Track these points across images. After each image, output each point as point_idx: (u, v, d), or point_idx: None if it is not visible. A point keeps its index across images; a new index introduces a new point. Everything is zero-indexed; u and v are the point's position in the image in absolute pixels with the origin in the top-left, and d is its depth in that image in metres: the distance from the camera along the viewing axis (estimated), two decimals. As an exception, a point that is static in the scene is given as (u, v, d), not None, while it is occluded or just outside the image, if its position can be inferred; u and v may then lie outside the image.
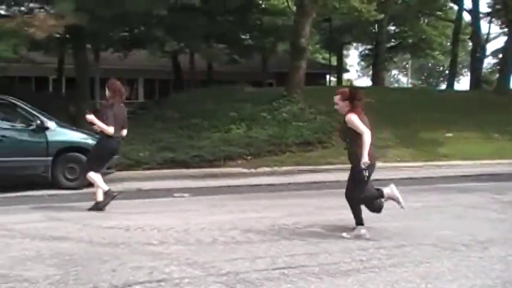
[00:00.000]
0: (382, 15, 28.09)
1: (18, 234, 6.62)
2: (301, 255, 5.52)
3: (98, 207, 8.30)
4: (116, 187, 11.41)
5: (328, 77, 37.46)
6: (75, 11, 13.55)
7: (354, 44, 48.16)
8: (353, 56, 79.17)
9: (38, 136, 10.85)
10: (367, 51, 44.32)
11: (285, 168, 13.95)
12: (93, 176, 8.44)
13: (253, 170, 13.70)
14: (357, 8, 24.16)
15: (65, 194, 10.63)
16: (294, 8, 21.81)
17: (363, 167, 6.24)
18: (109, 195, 8.41)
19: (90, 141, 11.11)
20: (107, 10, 14.35)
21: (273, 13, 26.47)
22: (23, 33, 13.81)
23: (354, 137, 6.40)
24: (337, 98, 6.59)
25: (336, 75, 39.93)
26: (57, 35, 17.39)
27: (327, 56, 39.84)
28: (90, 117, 8.36)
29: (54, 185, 10.97)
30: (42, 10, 18.65)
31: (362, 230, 6.39)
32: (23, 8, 19.44)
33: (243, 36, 26.79)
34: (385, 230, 6.73)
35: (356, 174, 6.45)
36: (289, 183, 11.96)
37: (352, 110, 6.44)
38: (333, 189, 11.03)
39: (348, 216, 6.66)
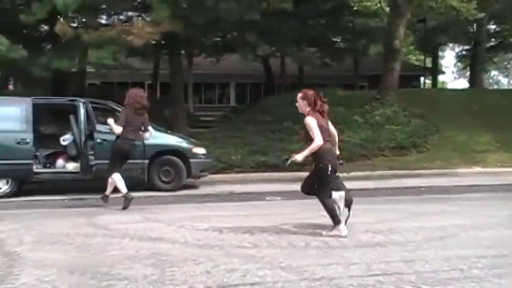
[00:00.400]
0: (483, 14, 26.91)
1: (118, 234, 6.87)
2: (397, 262, 5.35)
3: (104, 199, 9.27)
4: (209, 190, 11.68)
5: (422, 79, 36.42)
6: (171, 18, 13.93)
7: (450, 45, 46.44)
8: (449, 57, 76.64)
9: None
10: (464, 52, 42.62)
11: (378, 172, 13.67)
12: (114, 176, 9.08)
13: (345, 174, 13.50)
14: (455, 7, 23.26)
15: (161, 196, 10.96)
16: (388, 9, 21.32)
17: (293, 160, 6.57)
18: (127, 199, 9.03)
19: (185, 144, 11.80)
20: (201, 16, 14.67)
21: (365, 15, 26.05)
22: (122, 40, 14.36)
23: (312, 140, 6.51)
24: (298, 96, 6.96)
25: (430, 77, 38.74)
26: (154, 42, 17.99)
27: (422, 57, 38.71)
28: (110, 121, 9.26)
29: (150, 187, 11.37)
30: (139, 18, 19.38)
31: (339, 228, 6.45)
32: (121, 17, 20.28)
33: (335, 39, 26.57)
34: (485, 238, 6.41)
35: (319, 173, 6.59)
36: (383, 188, 11.70)
37: (311, 113, 6.60)
38: (428, 195, 10.72)
39: (447, 222, 6.41)
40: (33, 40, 17.31)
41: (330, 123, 6.88)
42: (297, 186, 11.62)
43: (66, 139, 11.75)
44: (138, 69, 22.45)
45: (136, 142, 9.57)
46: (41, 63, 14.43)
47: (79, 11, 15.82)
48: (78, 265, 5.36)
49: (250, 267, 5.19)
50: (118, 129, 9.04)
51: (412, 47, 41.81)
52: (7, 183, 11.02)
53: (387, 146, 15.30)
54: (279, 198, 10.47)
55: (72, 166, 11.56)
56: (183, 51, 20.80)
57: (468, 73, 40.81)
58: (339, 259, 5.49)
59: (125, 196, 9.05)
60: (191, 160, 11.62)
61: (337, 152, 6.99)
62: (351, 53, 28.16)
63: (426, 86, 34.85)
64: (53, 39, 16.89)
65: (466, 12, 23.99)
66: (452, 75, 66.02)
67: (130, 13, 20.11)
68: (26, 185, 11.44)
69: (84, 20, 16.82)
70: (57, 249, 6.11)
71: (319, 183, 6.63)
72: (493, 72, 67.10)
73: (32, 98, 11.49)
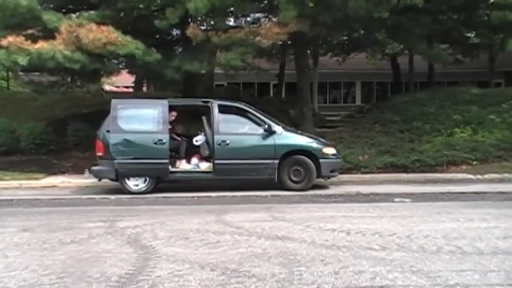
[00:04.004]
0: None
1: (245, 232, 6.98)
2: (542, 272, 4.96)
3: None
4: (336, 190, 11.58)
5: None
6: (298, 18, 13.95)
7: None
8: None
9: (266, 140, 11.60)
10: None
11: (516, 175, 12.81)
12: None
13: (479, 176, 12.82)
14: None
15: (287, 195, 11.02)
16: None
17: None
18: None
19: (315, 144, 11.89)
20: (328, 15, 14.54)
21: (504, 7, 24.52)
22: (249, 42, 14.61)
23: None
24: None
25: None
26: (280, 42, 18.14)
27: None
28: None
29: (280, 186, 11.55)
30: (266, 19, 19.63)
31: None
32: (249, 19, 20.66)
33: (468, 35, 25.26)
34: None
35: None
36: (523, 192, 10.93)
37: None
38: None
39: None
40: (165, 44, 18.08)
41: None
42: (427, 188, 11.28)
43: (198, 139, 12.18)
44: (265, 70, 22.74)
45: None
46: (173, 66, 15.04)
47: (209, 15, 16.34)
48: (208, 261, 5.51)
49: (380, 270, 5.05)
50: None
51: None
52: (145, 181, 11.76)
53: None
54: (408, 200, 10.14)
55: (205, 166, 11.99)
56: (309, 51, 20.77)
57: None
58: (474, 265, 5.19)
59: None
60: (321, 160, 11.66)
61: None
62: (486, 49, 26.61)
63: None
64: (184, 43, 17.57)
65: None
66: None
67: (257, 15, 20.43)
68: (161, 183, 12.07)
69: (213, 23, 17.33)
70: (188, 244, 6.32)
71: None
72: None
73: (168, 99, 12.14)
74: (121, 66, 17.95)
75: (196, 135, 12.34)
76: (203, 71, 17.37)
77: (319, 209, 8.98)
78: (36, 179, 14.08)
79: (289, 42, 19.17)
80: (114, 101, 12.22)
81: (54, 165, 15.88)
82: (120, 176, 11.68)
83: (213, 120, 11.69)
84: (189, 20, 16.58)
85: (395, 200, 10.16)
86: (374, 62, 29.66)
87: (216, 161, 11.61)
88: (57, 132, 17.45)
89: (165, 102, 12.00)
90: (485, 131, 15.51)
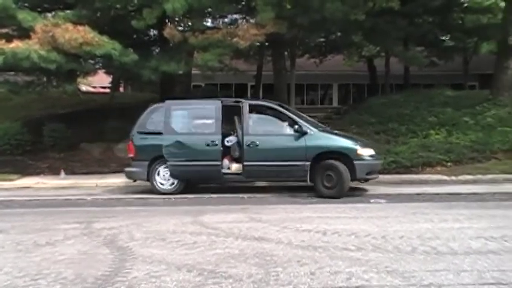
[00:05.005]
0: None
1: (222, 233, 6.98)
2: (513, 272, 5.05)
3: None
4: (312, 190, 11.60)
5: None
6: (275, 20, 14.01)
7: None
8: None
9: (297, 141, 11.03)
10: None
11: (489, 176, 12.99)
12: None
13: (453, 178, 12.99)
14: None
15: (263, 196, 11.05)
16: (502, 4, 20.24)
17: None
18: None
19: (350, 145, 11.06)
20: (305, 17, 14.63)
21: (477, 11, 24.90)
22: (227, 43, 14.64)
23: None
24: None
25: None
26: (258, 43, 18.19)
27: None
28: None
29: (315, 191, 11.04)
30: (244, 20, 19.68)
31: None
32: (226, 20, 20.70)
33: (443, 38, 25.61)
34: None
35: None
36: (495, 193, 11.10)
37: None
38: (546, 201, 10.05)
39: None
40: (143, 44, 18.03)
41: None
42: (402, 189, 11.39)
43: (230, 140, 11.86)
44: (242, 71, 22.77)
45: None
46: (150, 67, 15.01)
47: (186, 15, 16.33)
48: (185, 262, 5.50)
49: (355, 270, 5.09)
50: None
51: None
52: (173, 182, 11.61)
53: (500, 149, 14.52)
54: (383, 201, 10.22)
55: (235, 167, 11.59)
56: (286, 52, 20.87)
57: None
58: (448, 265, 5.26)
59: None
60: (355, 162, 10.81)
61: None
62: (460, 52, 27.02)
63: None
64: (161, 43, 17.54)
65: None
66: None
67: (235, 16, 20.49)
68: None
69: (190, 23, 17.33)
70: (165, 246, 6.31)
71: None
72: None
73: (221, 99, 11.93)
74: (98, 67, 17.86)
75: (229, 135, 12.01)
76: (180, 72, 17.35)
77: (295, 210, 9.02)
78: (11, 180, 13.93)
79: (266, 44, 19.27)
80: (168, 102, 12.05)
81: (29, 166, 15.74)
82: (173, 177, 11.55)
83: (243, 121, 11.36)
84: (167, 21, 16.55)
85: (371, 201, 10.24)
86: (351, 64, 29.89)
87: (245, 163, 11.21)
88: (32, 133, 17.29)
89: (218, 102, 11.74)
90: (459, 132, 15.72)
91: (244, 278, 4.91)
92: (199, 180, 12.11)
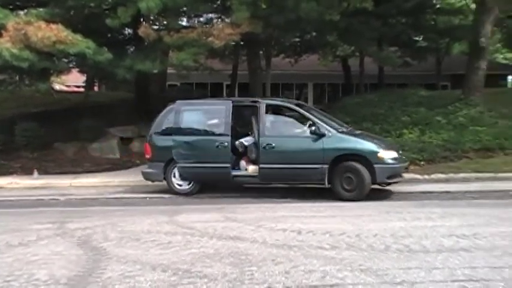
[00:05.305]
0: None
1: (197, 233, 6.99)
2: (483, 268, 5.14)
3: None
4: (289, 189, 11.64)
5: (510, 78, 34.90)
6: (251, 19, 14.02)
7: (541, 42, 44.18)
8: (539, 55, 72.73)
9: (314, 142, 10.56)
10: (555, 50, 40.47)
11: (461, 175, 13.17)
12: None
13: (426, 176, 13.14)
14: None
15: (239, 196, 11.06)
16: (473, 6, 20.57)
17: None
18: None
19: (370, 147, 10.58)
20: (280, 17, 14.68)
21: (449, 12, 25.26)
22: (202, 42, 14.61)
23: None
24: None
25: (519, 76, 37.06)
26: (233, 43, 18.20)
27: (509, 55, 37.05)
28: None
29: (334, 194, 10.53)
30: (219, 20, 19.66)
31: None
32: (201, 19, 20.65)
33: (416, 38, 25.94)
34: None
35: None
36: (466, 191, 11.28)
37: None
38: (516, 199, 10.26)
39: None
40: (117, 43, 17.89)
41: None
42: (376, 188, 11.46)
43: (247, 141, 11.51)
44: (218, 70, 22.75)
45: None
46: (125, 65, 14.90)
47: (161, 14, 16.25)
48: (159, 262, 5.50)
49: (330, 269, 5.14)
50: None
51: (499, 45, 40.17)
52: (190, 182, 11.40)
53: (471, 148, 14.72)
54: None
55: (252, 169, 11.19)
56: (261, 52, 20.92)
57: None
58: (420, 263, 5.34)
59: None
60: (376, 165, 10.25)
61: None
62: (433, 52, 27.40)
63: (514, 86, 33.35)
64: (136, 42, 17.42)
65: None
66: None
67: (210, 15, 20.45)
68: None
69: (165, 22, 17.25)
70: (139, 245, 6.29)
71: None
72: None
73: (232, 99, 11.72)
74: (71, 65, 17.67)
75: (246, 135, 11.73)
76: (155, 71, 17.26)
77: (270, 209, 9.06)
78: (-18, 180, 13.73)
79: (241, 43, 19.27)
80: (178, 102, 11.85)
81: (1, 166, 15.50)
82: (183, 179, 11.37)
83: (259, 121, 10.99)
84: (142, 20, 16.46)
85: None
86: (325, 64, 30.05)
87: (261, 165, 10.80)
88: (4, 132, 17.03)
89: (229, 102, 11.45)
90: (432, 132, 15.89)
91: (219, 277, 4.92)
92: (209, 182, 11.75)
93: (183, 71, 17.21)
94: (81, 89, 27.81)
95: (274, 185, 11.67)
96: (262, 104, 11.10)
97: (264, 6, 14.85)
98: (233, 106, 11.37)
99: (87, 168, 15.39)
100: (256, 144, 11.13)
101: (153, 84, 21.52)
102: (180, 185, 11.42)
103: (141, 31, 14.58)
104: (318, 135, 10.52)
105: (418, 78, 29.00)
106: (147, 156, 11.74)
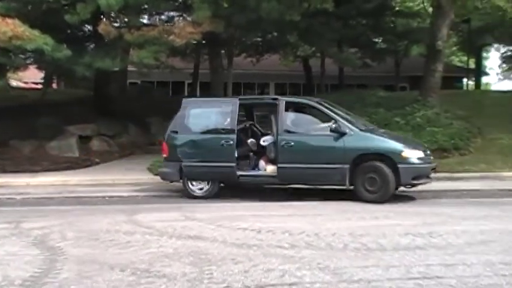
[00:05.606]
0: (530, 15, 26.28)
1: (156, 232, 6.95)
2: (437, 266, 5.26)
3: None
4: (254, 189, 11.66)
5: (465, 80, 35.76)
6: (212, 18, 14.02)
7: (495, 46, 45.41)
8: (493, 59, 74.74)
9: (335, 141, 10.07)
10: (509, 53, 41.62)
11: (418, 174, 13.42)
12: None
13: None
14: (501, 7, 22.76)
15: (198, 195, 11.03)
16: (430, 10, 21.01)
17: None
18: None
19: (394, 147, 10.09)
20: (241, 17, 14.72)
21: (407, 15, 25.77)
22: (163, 40, 14.54)
23: None
24: None
25: (473, 78, 38.03)
26: (194, 42, 18.15)
27: (465, 58, 37.98)
28: None
29: (356, 195, 10.02)
30: (181, 18, 19.57)
31: None
32: (163, 17, 20.53)
33: (376, 40, 26.35)
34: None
35: None
36: (423, 191, 11.49)
37: None
38: (471, 198, 10.50)
39: (490, 227, 6.27)
40: (77, 40, 17.64)
41: None
42: (335, 187, 11.57)
43: (266, 140, 11.03)
44: (179, 69, 22.64)
45: None
46: (84, 63, 14.70)
47: (122, 11, 16.08)
48: (118, 261, 5.45)
49: (289, 268, 5.18)
50: None
51: (455, 48, 41.13)
52: (207, 184, 10.82)
53: (428, 148, 15.03)
54: (317, 199, 10.38)
55: (270, 169, 10.71)
56: (223, 51, 20.92)
57: (513, 75, 39.89)
58: (377, 261, 5.43)
59: None
60: (399, 166, 9.71)
61: None
62: (392, 54, 27.86)
63: (469, 88, 34.15)
64: (96, 39, 17.21)
65: (512, 13, 23.45)
66: (496, 77, 64.49)
67: (171, 13, 20.34)
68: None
69: (126, 20, 17.08)
70: (97, 245, 6.22)
71: None
72: (539, 74, 65.30)
73: (239, 97, 11.32)
74: (29, 62, 17.34)
75: (267, 134, 11.34)
76: (116, 69, 17.07)
77: (230, 208, 9.08)
78: None
79: (203, 42, 19.22)
80: (184, 101, 11.53)
81: (-46, 163, 15.10)
82: (189, 179, 10.82)
83: (278, 119, 10.49)
84: (102, 16, 16.25)
85: (305, 199, 10.37)
86: (286, 64, 30.24)
87: (279, 165, 10.32)
88: (-42, 129, 16.59)
89: (235, 100, 11.06)
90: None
91: (178, 276, 4.90)
92: (215, 182, 11.07)
93: (144, 69, 17.09)
94: (39, 86, 27.29)
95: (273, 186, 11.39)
96: (282, 101, 10.62)
97: (225, 5, 14.88)
98: (248, 104, 11.30)
99: (45, 167, 15.11)
100: (275, 143, 10.63)
101: (113, 82, 21.28)
102: (193, 185, 10.84)
103: (101, 28, 14.41)
104: (339, 133, 10.01)
105: (378, 79, 29.45)
106: (164, 155, 11.23)
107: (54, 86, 29.21)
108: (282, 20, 15.12)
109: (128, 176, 13.58)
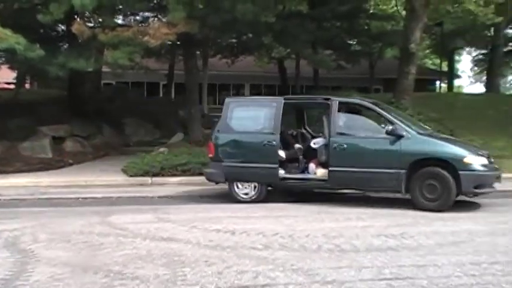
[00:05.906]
0: (500, 18, 26.73)
1: (130, 234, 6.92)
2: (409, 267, 5.33)
3: None
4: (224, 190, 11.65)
5: (438, 83, 36.25)
6: (187, 19, 13.98)
7: (467, 49, 46.13)
8: (465, 62, 75.80)
9: (391, 145, 9.52)
10: (481, 56, 42.33)
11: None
12: None
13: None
14: (473, 12, 23.14)
15: (173, 196, 11.00)
16: (404, 13, 21.25)
17: None
18: None
19: (454, 152, 9.40)
20: (216, 18, 14.72)
21: (381, 18, 26.02)
22: (137, 41, 14.45)
23: None
24: None
25: (446, 81, 38.58)
26: (169, 42, 18.08)
27: (437, 61, 38.49)
28: None
29: (412, 203, 9.43)
30: (155, 19, 19.49)
31: None
32: (138, 18, 20.42)
33: (350, 42, 26.56)
34: (499, 245, 6.36)
35: None
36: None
37: None
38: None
39: (460, 228, 6.37)
40: (50, 39, 17.46)
41: None
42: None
43: (317, 142, 10.60)
44: (154, 70, 22.53)
45: None
46: (58, 63, 14.54)
47: (96, 11, 15.95)
48: (91, 264, 5.41)
49: (262, 269, 5.20)
50: None
51: (428, 51, 41.70)
52: (254, 188, 10.42)
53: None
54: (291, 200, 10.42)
55: (321, 172, 10.25)
56: (198, 52, 20.89)
57: (485, 78, 40.54)
58: (350, 262, 5.49)
59: None
60: (461, 172, 9.04)
61: None
62: (366, 56, 28.16)
63: (442, 90, 34.63)
64: (69, 39, 17.05)
65: (484, 17, 23.89)
66: (468, 80, 65.42)
67: (146, 14, 20.26)
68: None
69: (100, 20, 16.95)
70: (70, 247, 6.17)
71: None
72: (510, 77, 66.39)
73: (284, 97, 10.86)
74: (0, 61, 17.10)
75: (318, 137, 10.97)
76: (90, 69, 16.90)
77: (204, 210, 9.07)
78: None
79: (178, 43, 19.17)
80: (227, 99, 11.18)
81: None
82: (229, 180, 10.49)
83: (331, 121, 10.01)
84: (76, 16, 16.09)
85: (280, 200, 10.37)
86: (261, 65, 30.32)
87: (330, 168, 9.85)
88: None
89: (280, 100, 10.59)
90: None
91: (151, 278, 4.89)
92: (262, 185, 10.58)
93: (118, 69, 16.96)
94: (12, 86, 26.91)
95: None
96: (335, 102, 10.12)
97: (200, 6, 14.85)
98: (296, 104, 11.14)
99: (17, 168, 14.90)
100: (327, 145, 10.14)
101: (87, 83, 21.07)
102: (238, 188, 10.46)
103: (75, 28, 14.26)
104: (396, 136, 9.47)
105: (352, 81, 29.67)
106: (210, 155, 10.88)
107: (27, 86, 28.84)
108: (256, 22, 15.14)
109: (102, 177, 13.47)
